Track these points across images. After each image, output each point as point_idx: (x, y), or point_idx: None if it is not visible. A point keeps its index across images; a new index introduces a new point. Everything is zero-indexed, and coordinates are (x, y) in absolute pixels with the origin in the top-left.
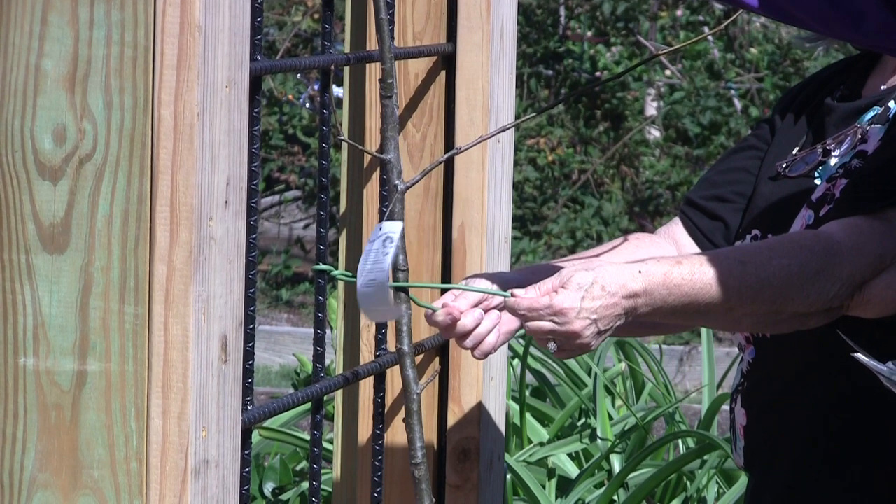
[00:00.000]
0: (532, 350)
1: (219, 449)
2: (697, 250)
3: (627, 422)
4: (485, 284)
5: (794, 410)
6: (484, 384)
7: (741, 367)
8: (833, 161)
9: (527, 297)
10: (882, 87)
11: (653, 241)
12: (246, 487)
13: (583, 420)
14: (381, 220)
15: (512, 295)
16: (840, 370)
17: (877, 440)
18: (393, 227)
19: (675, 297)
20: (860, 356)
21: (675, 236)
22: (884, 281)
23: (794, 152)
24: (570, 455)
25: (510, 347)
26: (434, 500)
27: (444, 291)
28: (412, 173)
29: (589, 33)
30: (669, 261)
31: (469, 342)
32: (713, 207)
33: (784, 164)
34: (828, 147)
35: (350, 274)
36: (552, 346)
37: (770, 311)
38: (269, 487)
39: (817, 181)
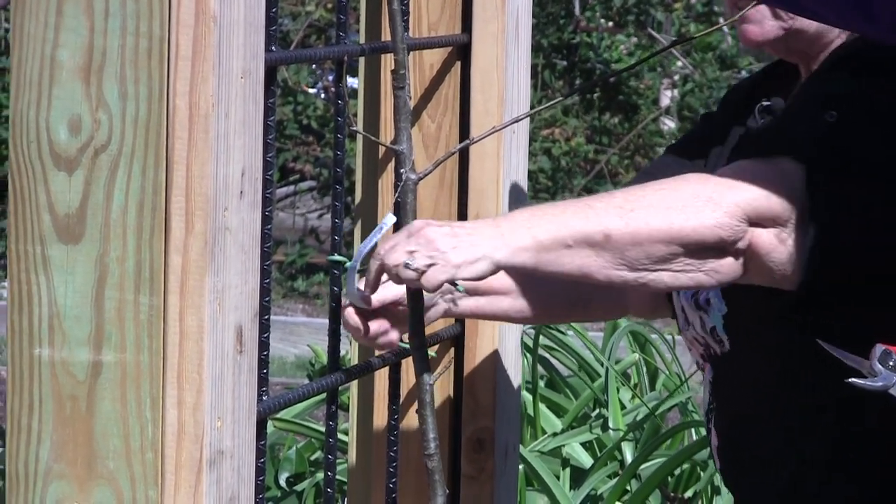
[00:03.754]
0: (545, 341)
1: (234, 439)
2: None
3: (640, 412)
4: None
5: (756, 433)
6: (498, 375)
7: (706, 385)
8: None
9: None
10: None
11: None
12: (261, 478)
13: (596, 410)
14: (395, 210)
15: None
16: (799, 389)
17: (864, 458)
18: (388, 219)
19: (543, 222)
20: (855, 380)
21: None
22: (773, 232)
23: None
24: (583, 445)
25: (522, 340)
26: (448, 490)
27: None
28: (428, 164)
29: (611, 23)
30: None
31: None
32: None
33: None
34: None
35: (344, 259)
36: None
37: (653, 238)
38: (284, 478)
39: None
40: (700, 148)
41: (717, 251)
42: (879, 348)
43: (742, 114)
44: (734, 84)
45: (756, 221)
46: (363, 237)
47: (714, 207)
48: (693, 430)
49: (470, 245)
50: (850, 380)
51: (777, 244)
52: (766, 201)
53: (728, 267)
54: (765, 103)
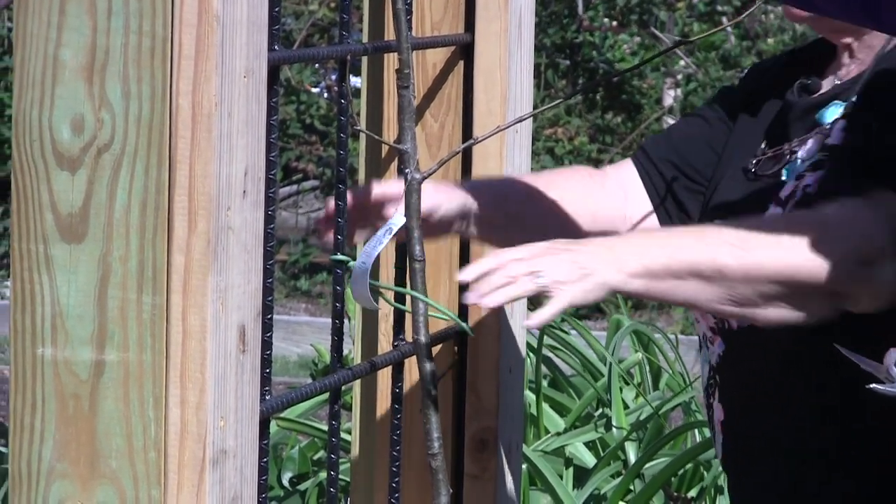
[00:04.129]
0: (548, 340)
1: (237, 439)
2: (646, 201)
3: (643, 411)
4: (429, 196)
5: (772, 413)
6: (502, 374)
7: (709, 360)
8: (799, 161)
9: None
10: (837, 82)
11: (601, 188)
12: (264, 477)
13: (599, 410)
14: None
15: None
16: (806, 389)
17: (863, 454)
18: (397, 220)
19: (656, 251)
20: (875, 386)
21: (624, 184)
22: (877, 266)
23: (760, 149)
24: (586, 445)
25: (527, 340)
26: (451, 490)
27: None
28: (430, 163)
29: (615, 23)
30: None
31: None
32: (667, 172)
33: (755, 162)
34: (794, 149)
35: (347, 259)
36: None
37: (765, 278)
38: (287, 477)
39: (784, 178)
40: (721, 115)
41: (828, 293)
42: (894, 353)
43: (776, 89)
44: (755, 64)
45: (864, 261)
46: (367, 236)
47: (827, 252)
48: (697, 430)
49: (589, 273)
50: (870, 386)
51: (878, 277)
52: (873, 240)
53: (832, 303)
54: (805, 81)
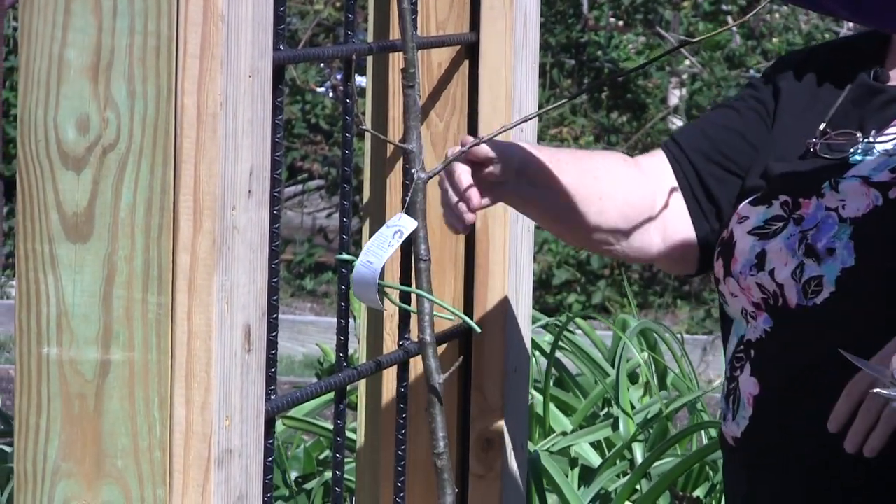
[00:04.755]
0: (552, 338)
1: (242, 438)
2: (676, 189)
3: (650, 411)
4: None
5: (810, 396)
6: (507, 374)
7: (744, 334)
8: (879, 148)
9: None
10: None
11: (637, 172)
12: (269, 477)
13: (606, 409)
14: (403, 209)
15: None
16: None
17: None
18: (408, 224)
19: None
20: (880, 391)
21: (656, 172)
22: None
23: (822, 128)
24: (592, 444)
25: (533, 339)
26: (457, 489)
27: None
28: (435, 163)
29: (620, 22)
30: None
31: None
32: (697, 161)
33: (816, 143)
34: (869, 139)
35: (352, 258)
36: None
37: None
38: (292, 476)
39: (852, 161)
40: (752, 105)
41: None
42: None
43: (830, 76)
44: (784, 55)
45: None
46: (371, 236)
47: None
48: (703, 431)
49: None
50: (874, 390)
51: None
52: None
53: None
54: (876, 69)
